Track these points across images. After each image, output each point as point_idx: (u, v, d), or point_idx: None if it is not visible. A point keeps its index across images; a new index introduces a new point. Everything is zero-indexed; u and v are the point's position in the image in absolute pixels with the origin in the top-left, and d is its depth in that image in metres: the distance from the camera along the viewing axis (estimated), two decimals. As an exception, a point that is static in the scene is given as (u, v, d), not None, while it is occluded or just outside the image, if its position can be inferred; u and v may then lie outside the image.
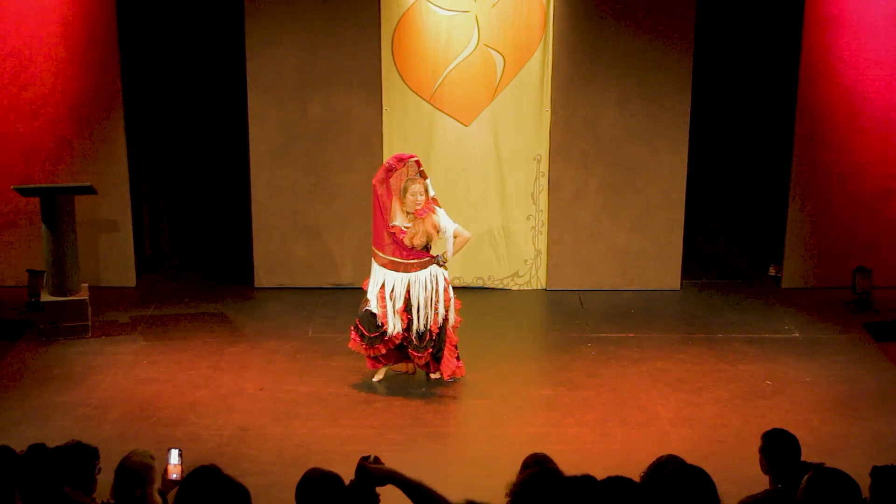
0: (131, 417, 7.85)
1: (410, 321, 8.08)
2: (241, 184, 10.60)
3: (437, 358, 8.26)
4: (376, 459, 4.05)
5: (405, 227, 8.03)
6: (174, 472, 5.04)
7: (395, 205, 8.08)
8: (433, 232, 8.09)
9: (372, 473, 3.95)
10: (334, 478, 4.06)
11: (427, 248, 8.13)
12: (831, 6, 10.04)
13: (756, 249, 11.38)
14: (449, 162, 10.30)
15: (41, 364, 8.77)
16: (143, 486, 4.74)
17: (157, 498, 4.85)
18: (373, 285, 8.12)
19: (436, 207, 8.13)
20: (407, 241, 8.02)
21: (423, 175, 8.10)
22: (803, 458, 5.00)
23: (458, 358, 8.36)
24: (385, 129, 10.23)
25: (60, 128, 10.16)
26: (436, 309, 8.11)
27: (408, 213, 8.05)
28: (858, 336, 9.44)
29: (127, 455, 4.86)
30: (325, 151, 10.27)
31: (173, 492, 4.40)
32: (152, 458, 4.86)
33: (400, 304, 8.05)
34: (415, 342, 8.12)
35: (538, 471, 4.06)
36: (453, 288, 8.32)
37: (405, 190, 8.03)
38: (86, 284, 9.54)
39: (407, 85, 10.15)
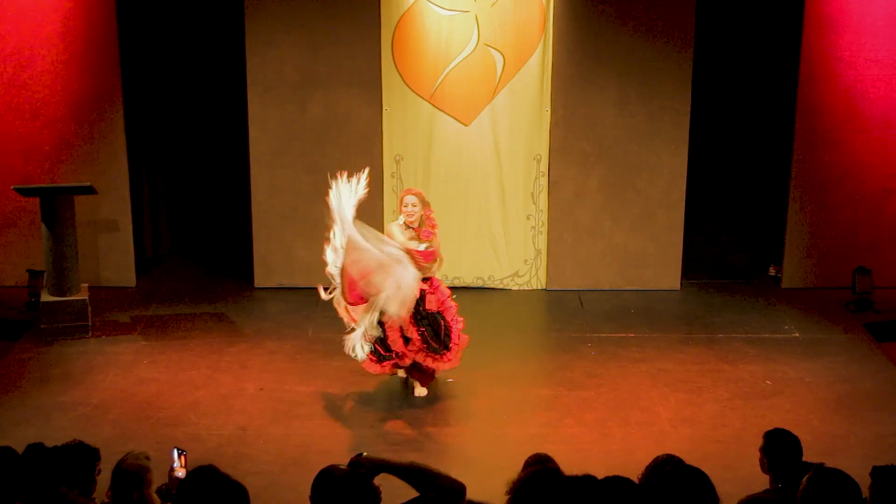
0: (131, 417, 7.86)
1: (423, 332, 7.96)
2: (241, 184, 10.60)
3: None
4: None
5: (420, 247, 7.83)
6: (179, 471, 5.07)
7: (394, 229, 7.93)
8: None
9: (365, 466, 3.92)
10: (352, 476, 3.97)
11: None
12: (831, 6, 10.04)
13: (756, 249, 11.38)
14: (449, 162, 10.30)
15: (41, 364, 8.77)
16: (140, 488, 4.75)
17: (156, 498, 4.85)
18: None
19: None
20: (435, 269, 7.95)
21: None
22: (803, 458, 5.00)
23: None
24: (385, 129, 10.23)
25: (60, 128, 10.15)
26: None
27: (407, 226, 7.90)
28: (858, 336, 9.44)
29: (122, 458, 4.86)
30: (325, 151, 10.26)
31: (179, 489, 4.42)
32: (148, 458, 4.86)
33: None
34: (433, 345, 7.95)
35: (538, 469, 4.06)
36: (449, 288, 8.26)
37: (401, 201, 7.99)
38: (86, 284, 9.53)
39: (407, 85, 10.15)
